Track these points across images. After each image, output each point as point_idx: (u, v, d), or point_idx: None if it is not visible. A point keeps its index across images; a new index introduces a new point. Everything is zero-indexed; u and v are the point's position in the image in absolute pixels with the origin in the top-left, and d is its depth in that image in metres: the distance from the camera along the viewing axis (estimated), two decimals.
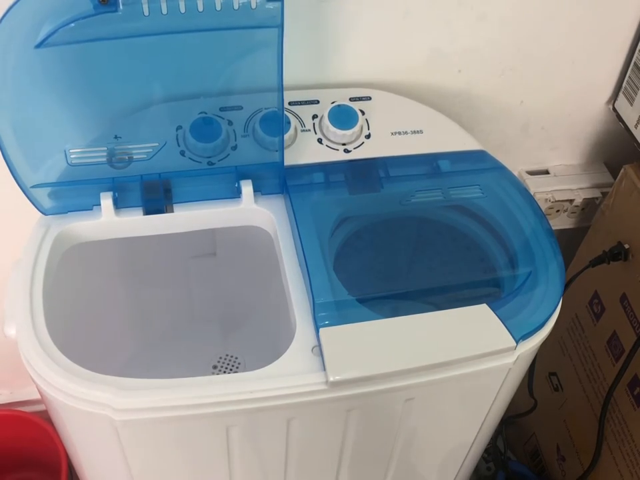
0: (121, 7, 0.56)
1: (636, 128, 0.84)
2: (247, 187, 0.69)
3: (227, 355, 0.96)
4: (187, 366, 0.91)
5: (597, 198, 0.96)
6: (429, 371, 0.59)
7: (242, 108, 0.69)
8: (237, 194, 0.69)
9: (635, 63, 0.84)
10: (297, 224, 0.66)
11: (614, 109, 0.89)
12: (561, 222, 1.00)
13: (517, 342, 0.60)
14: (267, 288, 0.82)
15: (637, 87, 0.83)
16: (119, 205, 0.67)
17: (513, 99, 0.88)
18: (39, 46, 0.57)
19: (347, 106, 0.74)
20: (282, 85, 0.64)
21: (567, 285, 0.75)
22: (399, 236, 0.76)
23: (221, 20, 0.59)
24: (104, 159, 0.66)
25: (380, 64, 0.79)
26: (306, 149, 0.72)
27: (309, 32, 0.75)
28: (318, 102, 0.75)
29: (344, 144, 0.73)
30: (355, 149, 0.73)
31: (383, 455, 0.70)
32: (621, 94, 0.87)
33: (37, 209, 0.66)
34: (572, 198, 0.96)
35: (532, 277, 0.65)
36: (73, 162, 0.65)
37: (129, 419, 0.56)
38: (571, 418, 1.03)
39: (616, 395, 0.89)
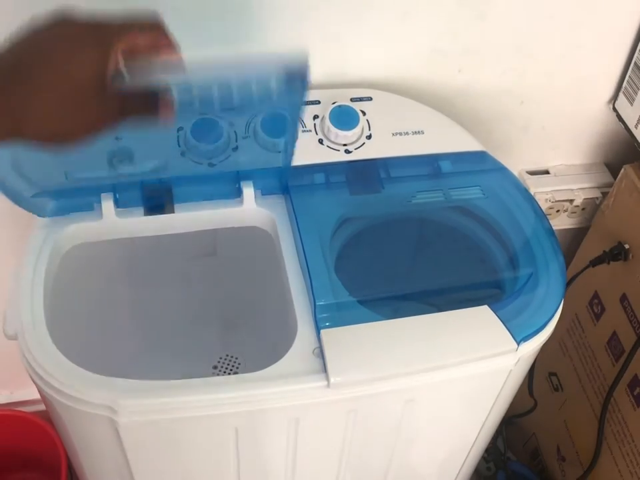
0: None
1: (636, 128, 0.84)
2: (247, 188, 0.69)
3: (227, 355, 0.95)
4: (187, 366, 0.91)
5: (597, 198, 0.96)
6: (430, 372, 0.59)
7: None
8: (237, 194, 0.69)
9: (635, 62, 0.84)
10: (297, 225, 0.66)
11: (614, 109, 0.89)
12: (561, 222, 1.00)
13: (518, 344, 0.60)
14: (268, 288, 0.81)
15: (637, 87, 0.83)
16: (119, 205, 0.67)
17: (513, 99, 0.87)
18: None
19: (348, 106, 0.74)
20: None
21: (567, 285, 0.75)
22: (400, 237, 0.76)
23: None
24: (104, 160, 0.66)
25: (380, 64, 0.79)
26: (307, 150, 0.72)
27: (309, 32, 0.75)
28: (319, 102, 0.75)
29: (345, 144, 0.73)
30: (355, 149, 0.73)
31: (383, 455, 0.70)
32: (621, 94, 0.87)
33: (37, 214, 0.66)
34: (572, 198, 0.96)
35: (533, 278, 0.65)
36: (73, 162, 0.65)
37: (130, 420, 0.56)
38: (571, 418, 1.03)
39: (616, 395, 0.89)
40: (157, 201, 0.68)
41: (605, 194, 0.95)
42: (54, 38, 0.42)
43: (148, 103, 0.46)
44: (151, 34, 0.44)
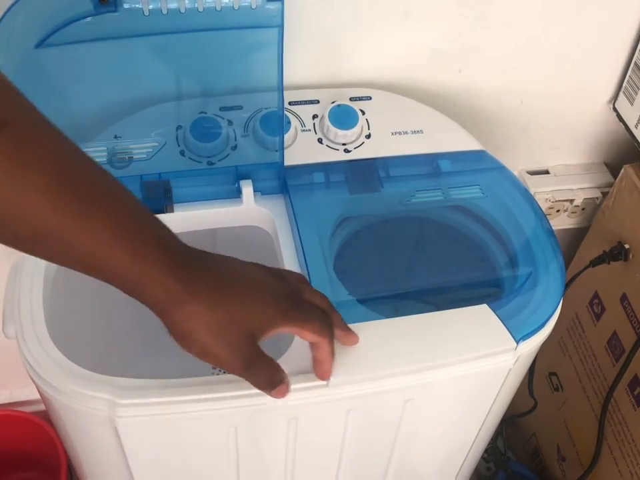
0: (120, 7, 0.56)
1: (636, 128, 0.84)
2: (246, 187, 0.69)
3: None
4: (186, 366, 0.91)
5: (597, 198, 0.96)
6: (429, 371, 0.59)
7: (242, 108, 0.69)
8: (237, 194, 0.69)
9: (635, 62, 0.84)
10: (297, 224, 0.66)
11: (614, 109, 0.89)
12: (561, 222, 1.00)
13: (518, 342, 0.60)
14: None
15: (637, 87, 0.83)
16: None
17: (513, 99, 0.87)
18: (38, 46, 0.57)
19: (347, 106, 0.74)
20: (282, 84, 0.64)
21: (567, 285, 0.75)
22: (399, 236, 0.76)
23: (221, 20, 0.59)
24: (104, 159, 0.66)
25: (380, 64, 0.79)
26: (306, 149, 0.72)
27: (309, 32, 0.75)
28: (318, 102, 0.75)
29: (344, 144, 0.73)
30: (355, 148, 0.73)
31: (383, 455, 0.70)
32: (621, 93, 0.87)
33: None
34: (572, 198, 0.96)
35: (532, 277, 0.65)
36: None
37: (129, 419, 0.56)
38: (571, 418, 1.03)
39: (616, 395, 0.89)
40: (156, 200, 0.68)
41: (605, 194, 0.95)
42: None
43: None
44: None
